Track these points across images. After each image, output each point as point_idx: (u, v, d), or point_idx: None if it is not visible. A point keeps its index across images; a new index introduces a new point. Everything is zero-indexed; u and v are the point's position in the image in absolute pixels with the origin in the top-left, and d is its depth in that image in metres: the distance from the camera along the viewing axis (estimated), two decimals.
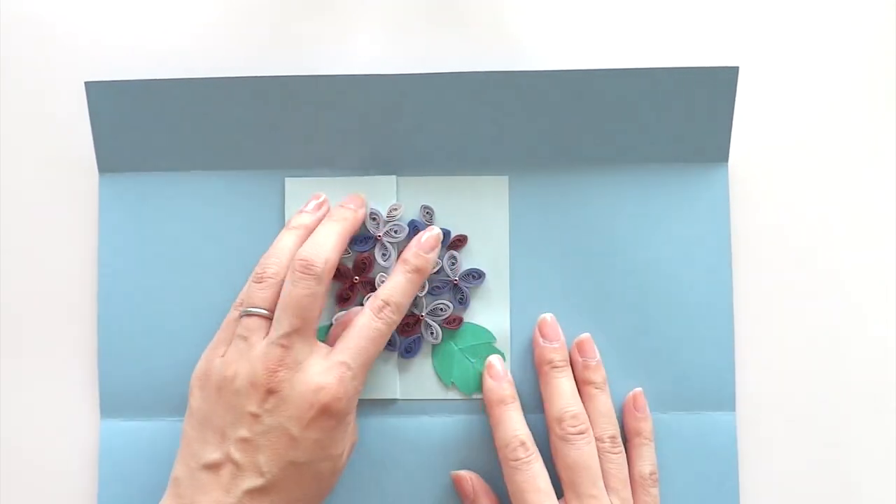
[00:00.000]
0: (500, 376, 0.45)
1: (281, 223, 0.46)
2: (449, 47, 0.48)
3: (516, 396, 0.45)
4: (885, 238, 0.48)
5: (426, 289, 0.46)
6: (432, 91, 0.46)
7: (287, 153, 0.47)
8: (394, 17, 0.48)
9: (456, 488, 0.46)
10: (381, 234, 0.46)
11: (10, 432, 0.47)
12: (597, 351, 0.46)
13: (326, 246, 0.42)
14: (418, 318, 0.46)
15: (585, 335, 0.46)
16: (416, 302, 0.46)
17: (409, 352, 0.46)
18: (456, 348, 0.46)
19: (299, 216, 0.45)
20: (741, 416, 0.47)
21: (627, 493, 0.44)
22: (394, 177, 0.47)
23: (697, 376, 0.46)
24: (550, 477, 0.44)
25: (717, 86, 0.46)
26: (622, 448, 0.44)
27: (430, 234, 0.45)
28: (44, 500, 0.47)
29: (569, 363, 0.46)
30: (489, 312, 0.47)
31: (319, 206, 0.45)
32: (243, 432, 0.40)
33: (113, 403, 0.47)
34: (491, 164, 0.47)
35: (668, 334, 0.46)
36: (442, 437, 0.46)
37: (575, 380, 0.45)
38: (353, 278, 0.46)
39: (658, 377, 0.46)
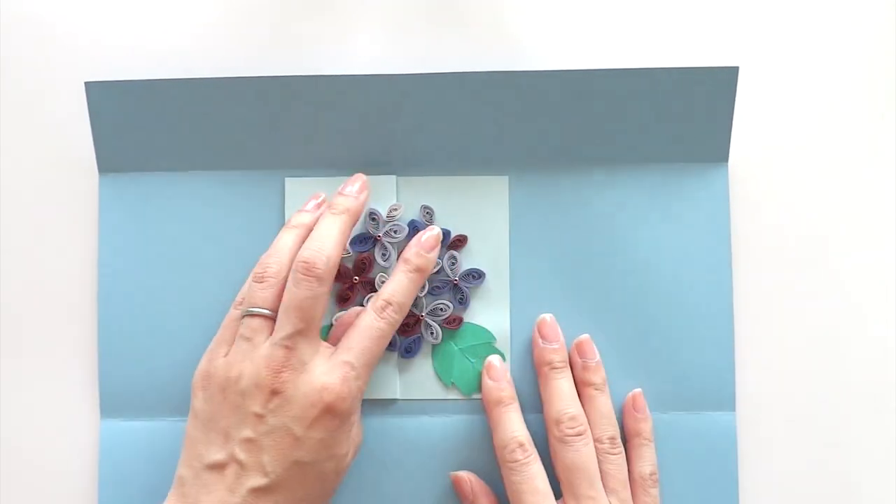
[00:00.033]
0: (499, 377, 0.45)
1: (281, 223, 0.46)
2: (449, 47, 0.48)
3: (515, 397, 0.45)
4: (885, 238, 0.48)
5: (426, 289, 0.46)
6: (432, 91, 0.46)
7: (287, 153, 0.47)
8: (394, 17, 0.48)
9: (455, 489, 0.46)
10: (380, 235, 0.46)
11: (10, 432, 0.47)
12: (596, 351, 0.46)
13: (327, 244, 0.42)
14: (418, 318, 0.46)
15: (585, 336, 0.46)
16: (416, 302, 0.46)
17: (409, 352, 0.46)
18: (456, 348, 0.46)
19: (299, 215, 0.45)
20: (741, 416, 0.47)
21: (627, 493, 0.44)
22: (394, 177, 0.47)
23: (697, 376, 0.46)
24: (549, 477, 0.44)
25: (717, 86, 0.46)
26: (622, 449, 0.44)
27: (431, 234, 0.45)
28: (44, 500, 0.47)
29: (568, 364, 0.46)
30: (489, 312, 0.47)
31: (319, 205, 0.45)
32: (247, 433, 0.40)
33: (113, 403, 0.47)
34: (491, 164, 0.47)
35: (668, 334, 0.46)
36: (442, 437, 0.46)
37: (574, 380, 0.45)
38: (353, 278, 0.46)
39: (658, 377, 0.46)
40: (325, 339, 0.45)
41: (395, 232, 0.46)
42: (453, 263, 0.46)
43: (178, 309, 0.47)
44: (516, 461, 0.43)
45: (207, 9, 0.49)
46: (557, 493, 0.44)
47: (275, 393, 0.40)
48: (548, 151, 0.47)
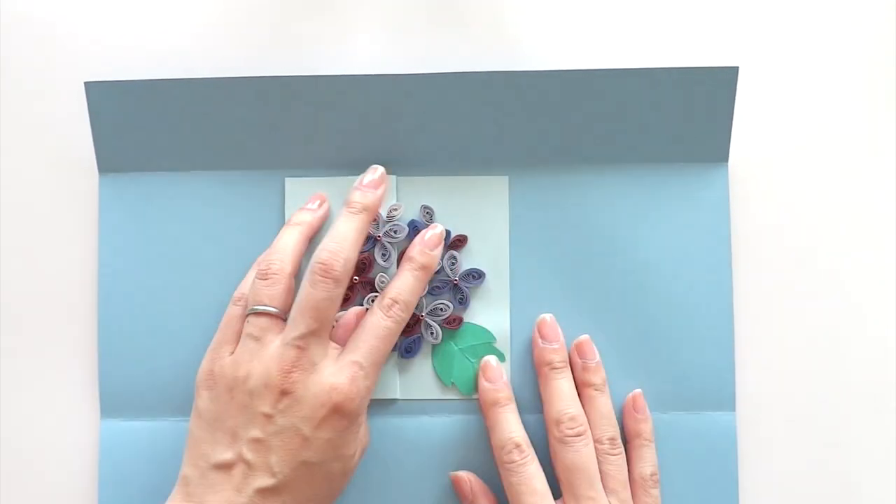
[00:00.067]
0: (496, 377, 0.45)
1: (281, 223, 0.46)
2: (449, 47, 0.48)
3: (512, 397, 0.45)
4: (885, 238, 0.48)
5: (426, 289, 0.46)
6: (432, 91, 0.46)
7: (287, 153, 0.47)
8: (394, 17, 0.48)
9: (455, 489, 0.46)
10: (380, 235, 0.46)
11: (10, 432, 0.47)
12: (596, 352, 0.46)
13: (345, 245, 0.42)
14: (418, 318, 0.46)
15: (585, 336, 0.46)
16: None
17: (409, 352, 0.46)
18: (456, 348, 0.46)
19: (300, 213, 0.45)
20: (741, 416, 0.47)
21: (627, 494, 0.44)
22: (394, 177, 0.47)
23: (697, 376, 0.46)
24: (548, 477, 0.44)
25: (717, 86, 0.46)
26: (622, 449, 0.44)
27: (434, 232, 0.45)
28: (44, 500, 0.47)
29: (568, 364, 0.45)
30: (489, 312, 0.47)
31: (320, 205, 0.45)
32: (256, 432, 0.40)
33: (113, 403, 0.47)
34: (491, 164, 0.47)
35: (668, 334, 0.46)
36: (442, 437, 0.46)
37: (575, 381, 0.45)
38: (353, 278, 0.46)
39: (658, 377, 0.46)
40: None
41: (395, 232, 0.46)
42: (453, 263, 0.46)
43: (179, 309, 0.47)
44: (513, 462, 0.43)
45: (207, 9, 0.49)
46: (557, 493, 0.44)
47: (284, 393, 0.40)
48: (548, 151, 0.47)
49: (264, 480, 0.40)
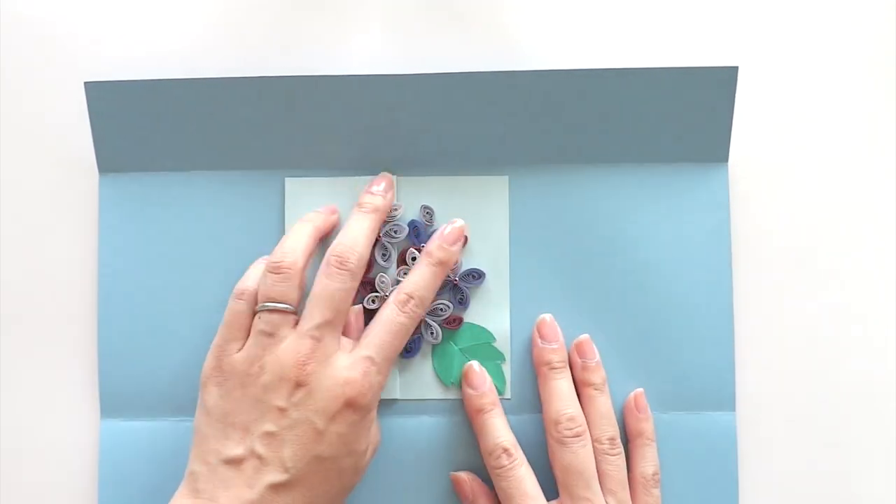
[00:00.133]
0: (479, 384, 0.45)
1: (281, 223, 0.46)
2: (449, 47, 0.48)
3: (497, 402, 0.45)
4: (885, 238, 0.48)
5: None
6: (432, 91, 0.46)
7: (287, 153, 0.47)
8: (394, 17, 0.48)
9: (455, 489, 0.46)
10: (380, 235, 0.46)
11: (11, 432, 0.47)
12: (596, 351, 0.46)
13: (359, 241, 0.43)
14: None
15: (584, 336, 0.46)
16: None
17: (408, 352, 0.46)
18: (456, 348, 0.47)
19: (312, 214, 0.45)
20: (741, 416, 0.47)
21: (625, 494, 0.44)
22: (394, 177, 0.47)
23: (697, 376, 0.46)
24: (548, 476, 0.44)
25: (717, 86, 0.46)
26: (621, 450, 0.44)
27: (454, 227, 0.45)
28: (44, 500, 0.47)
29: (567, 364, 0.45)
30: (489, 312, 0.47)
31: (332, 212, 0.46)
32: (269, 427, 0.40)
33: (113, 403, 0.47)
34: (491, 164, 0.47)
35: (668, 334, 0.46)
36: (442, 437, 0.46)
37: (574, 381, 0.45)
38: None
39: (658, 377, 0.46)
40: None
41: (395, 232, 0.46)
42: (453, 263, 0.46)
43: (179, 309, 0.47)
44: (503, 467, 0.43)
45: (207, 9, 0.49)
46: (555, 493, 0.44)
47: (299, 385, 0.40)
48: (548, 151, 0.47)
49: (277, 475, 0.40)
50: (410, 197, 0.47)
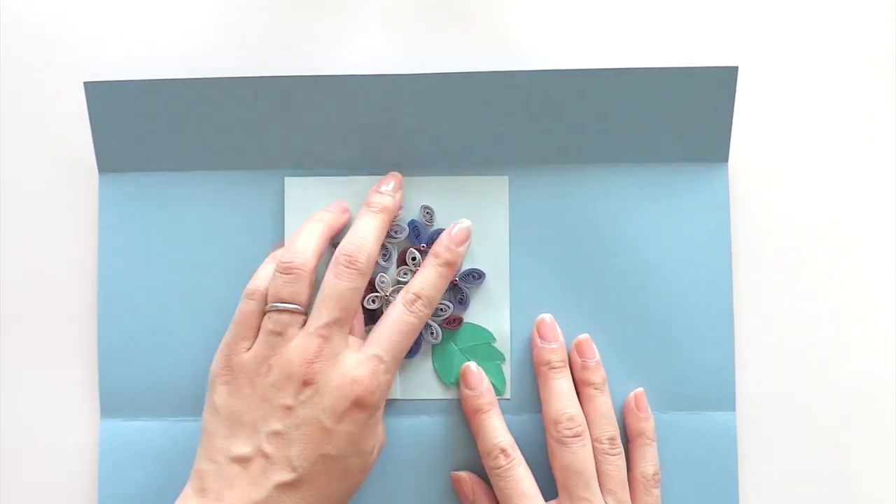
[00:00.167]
0: (476, 384, 0.45)
1: (280, 223, 0.46)
2: (449, 47, 0.48)
3: (494, 402, 0.45)
4: (885, 238, 0.48)
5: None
6: (432, 91, 0.46)
7: (287, 153, 0.47)
8: (394, 17, 0.48)
9: (455, 489, 0.46)
10: None
11: (11, 432, 0.47)
12: (596, 351, 0.46)
13: (368, 240, 0.43)
14: None
15: (584, 335, 0.46)
16: None
17: (409, 352, 0.46)
18: (456, 348, 0.47)
19: (321, 213, 0.45)
20: (741, 416, 0.47)
21: (625, 494, 0.44)
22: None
23: (697, 376, 0.46)
24: (548, 476, 0.44)
25: (717, 86, 0.46)
26: (621, 449, 0.44)
27: (461, 227, 0.45)
28: (44, 500, 0.47)
29: (567, 364, 0.45)
30: (489, 312, 0.47)
31: (343, 211, 0.46)
32: (276, 426, 0.40)
33: (113, 403, 0.47)
34: (491, 164, 0.47)
35: (668, 334, 0.46)
36: (442, 437, 0.46)
37: (574, 380, 0.45)
38: None
39: (658, 377, 0.46)
40: None
41: (396, 232, 0.46)
42: None
43: (179, 309, 0.47)
44: (500, 467, 0.43)
45: (207, 9, 0.49)
46: (554, 493, 0.44)
47: (307, 383, 0.40)
48: (548, 151, 0.47)
49: (284, 475, 0.40)
50: (410, 197, 0.47)
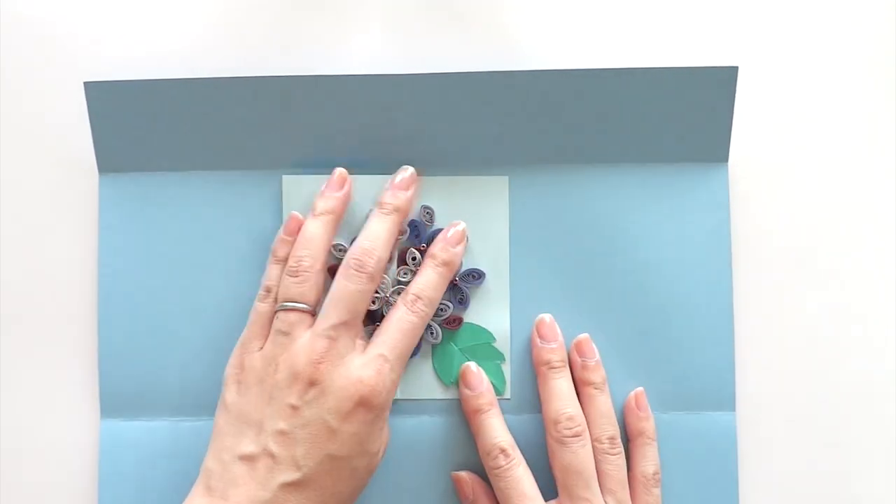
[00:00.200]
0: (476, 384, 0.45)
1: (279, 223, 0.46)
2: (449, 47, 0.48)
3: (494, 402, 0.45)
4: (885, 238, 0.48)
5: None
6: (432, 91, 0.46)
7: (286, 153, 0.47)
8: (394, 17, 0.48)
9: (455, 489, 0.46)
10: None
11: (11, 432, 0.47)
12: (596, 351, 0.46)
13: (378, 244, 0.43)
14: None
15: (584, 335, 0.46)
16: None
17: None
18: (456, 348, 0.47)
19: (323, 201, 0.45)
20: (741, 416, 0.47)
21: (625, 494, 0.44)
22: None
23: (697, 376, 0.46)
24: (547, 476, 0.44)
25: (717, 86, 0.46)
26: (621, 449, 0.44)
27: (456, 229, 0.45)
28: (44, 500, 0.47)
29: (567, 364, 0.46)
30: (489, 312, 0.47)
31: (342, 186, 0.45)
32: (282, 425, 0.40)
33: (113, 403, 0.47)
34: (491, 164, 0.47)
35: (668, 334, 0.46)
36: (442, 437, 0.46)
37: (574, 380, 0.45)
38: None
39: (658, 377, 0.46)
40: None
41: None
42: None
43: (178, 309, 0.47)
44: (500, 467, 0.43)
45: (207, 9, 0.49)
46: (555, 493, 0.44)
47: (312, 384, 0.41)
48: (548, 151, 0.47)
49: (289, 474, 0.40)
50: None
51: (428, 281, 0.44)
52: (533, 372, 0.46)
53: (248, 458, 0.40)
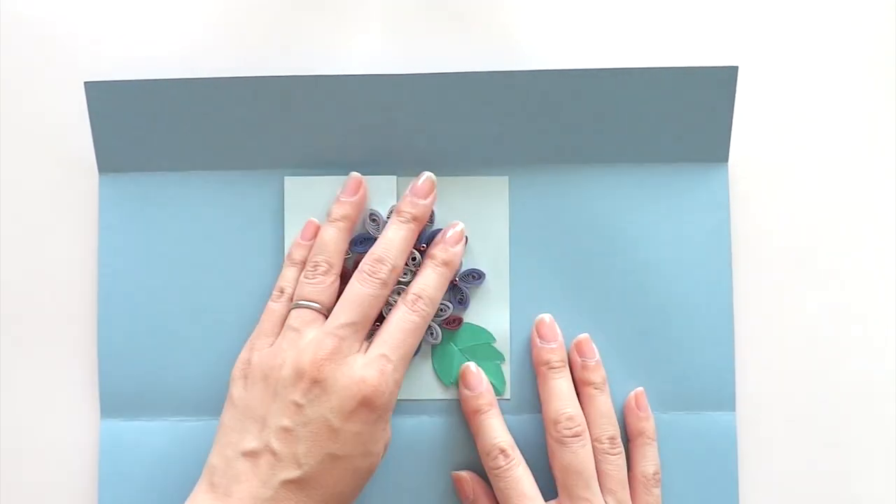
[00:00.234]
0: (476, 385, 0.45)
1: (280, 223, 0.46)
2: (449, 47, 0.48)
3: (494, 402, 0.45)
4: (885, 238, 0.48)
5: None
6: (432, 91, 0.46)
7: (287, 153, 0.47)
8: (394, 17, 0.48)
9: (456, 489, 0.46)
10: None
11: (11, 432, 0.47)
12: (596, 351, 0.46)
13: (393, 252, 0.44)
14: None
15: (584, 335, 0.46)
16: None
17: None
18: (456, 349, 0.47)
19: (339, 207, 0.45)
20: (741, 416, 0.47)
21: (625, 494, 0.44)
22: (394, 177, 0.47)
23: (697, 376, 0.46)
24: (547, 476, 0.44)
25: (717, 86, 0.46)
26: (622, 449, 0.44)
27: (455, 230, 0.46)
28: (44, 500, 0.47)
29: (567, 364, 0.46)
30: (489, 313, 0.47)
31: (356, 188, 0.45)
32: (285, 422, 0.40)
33: (113, 403, 0.47)
34: (491, 164, 0.47)
35: (668, 334, 0.46)
36: (442, 437, 0.46)
37: (574, 380, 0.45)
38: None
39: (658, 377, 0.46)
40: None
41: None
42: None
43: (179, 309, 0.47)
44: (500, 467, 0.43)
45: (207, 9, 0.49)
46: (554, 493, 0.44)
47: (315, 382, 0.41)
48: (548, 151, 0.47)
49: (290, 472, 0.40)
50: None
51: (428, 281, 0.44)
52: (533, 372, 0.46)
53: (250, 455, 0.40)
